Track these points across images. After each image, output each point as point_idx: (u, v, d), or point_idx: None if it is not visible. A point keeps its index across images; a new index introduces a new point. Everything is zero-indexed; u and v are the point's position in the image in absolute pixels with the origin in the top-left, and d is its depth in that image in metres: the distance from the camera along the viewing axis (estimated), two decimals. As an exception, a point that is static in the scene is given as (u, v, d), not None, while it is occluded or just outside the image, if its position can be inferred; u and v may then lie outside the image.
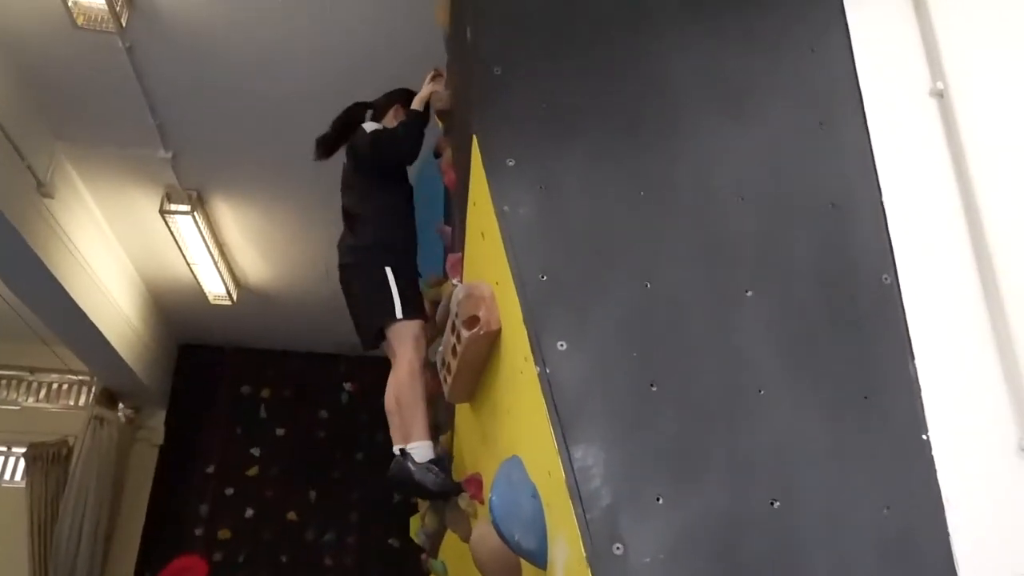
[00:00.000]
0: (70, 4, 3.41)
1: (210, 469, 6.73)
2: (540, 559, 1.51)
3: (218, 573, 6.13)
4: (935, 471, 1.51)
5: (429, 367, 2.63)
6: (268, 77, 4.04)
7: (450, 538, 2.70)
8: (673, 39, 1.82)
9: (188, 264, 5.53)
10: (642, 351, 1.52)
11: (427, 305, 2.77)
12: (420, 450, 2.49)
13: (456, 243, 2.38)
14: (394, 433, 2.56)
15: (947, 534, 1.46)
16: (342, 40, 3.79)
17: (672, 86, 1.78)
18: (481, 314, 1.75)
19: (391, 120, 2.92)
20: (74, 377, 6.62)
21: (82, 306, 4.92)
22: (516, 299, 1.58)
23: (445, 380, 2.15)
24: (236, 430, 6.91)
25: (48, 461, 6.22)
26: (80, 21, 3.50)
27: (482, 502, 2.16)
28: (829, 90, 1.84)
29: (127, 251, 5.67)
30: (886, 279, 1.66)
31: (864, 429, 1.53)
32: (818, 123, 1.79)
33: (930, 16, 1.95)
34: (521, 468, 1.63)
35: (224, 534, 6.55)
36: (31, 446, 6.26)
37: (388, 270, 2.57)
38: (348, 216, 2.82)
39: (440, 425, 2.85)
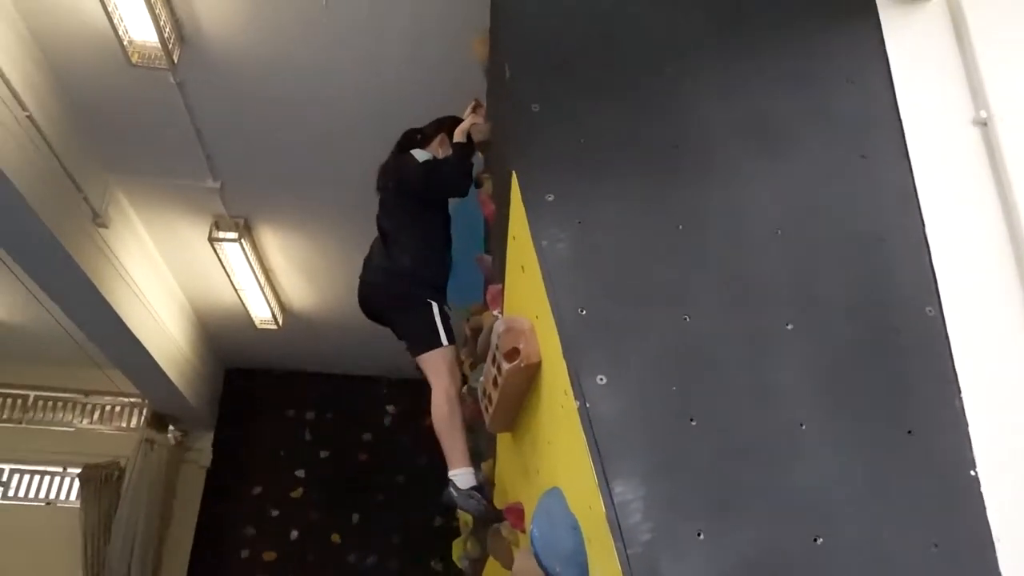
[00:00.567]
0: (125, 43, 3.55)
1: (256, 491, 6.82)
2: (581, 593, 1.51)
3: (264, 596, 6.21)
4: (984, 509, 1.48)
5: (471, 392, 2.66)
6: (312, 109, 4.14)
7: (492, 564, 2.71)
8: (708, 76, 1.84)
9: (235, 290, 5.66)
10: (681, 385, 1.53)
11: (467, 332, 2.81)
12: (461, 477, 2.54)
13: (496, 274, 2.41)
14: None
15: (998, 574, 1.43)
16: (383, 72, 3.88)
17: (708, 122, 1.79)
18: (521, 347, 1.77)
19: (436, 148, 2.95)
20: (126, 400, 6.80)
21: (134, 331, 5.07)
22: (555, 333, 1.60)
23: (486, 410, 2.17)
24: (281, 452, 7.00)
25: (101, 482, 6.37)
26: (135, 59, 3.63)
27: (523, 531, 2.17)
28: (869, 122, 1.83)
29: (177, 278, 5.83)
30: (930, 311, 1.64)
31: (909, 465, 1.51)
32: (859, 156, 1.78)
33: (972, 44, 1.93)
34: (562, 501, 1.64)
35: (269, 556, 6.62)
36: (85, 467, 6.43)
37: (434, 305, 2.62)
38: (384, 235, 2.86)
39: (482, 452, 2.87)
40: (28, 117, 3.69)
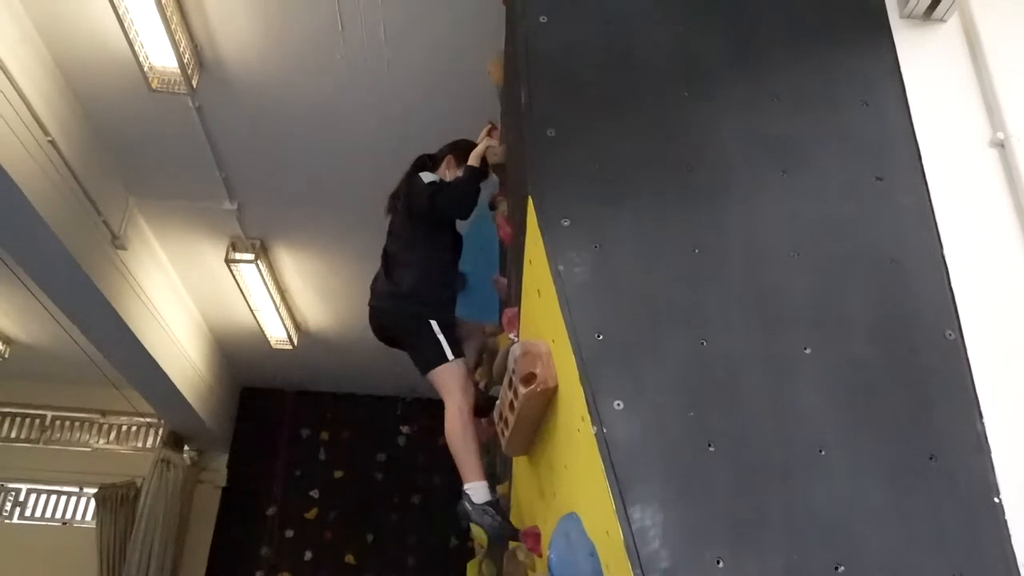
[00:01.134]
0: (146, 69, 3.61)
1: (271, 511, 6.84)
2: (599, 620, 1.50)
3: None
4: (1008, 535, 1.46)
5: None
6: (327, 132, 4.19)
7: (508, 588, 2.69)
8: (724, 99, 1.84)
9: (251, 310, 5.70)
10: (699, 410, 1.52)
11: (484, 354, 2.81)
12: (476, 491, 2.53)
13: (512, 297, 2.41)
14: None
15: (1024, 602, 1.41)
16: (398, 96, 3.92)
17: (724, 144, 1.79)
18: (538, 371, 1.77)
19: (444, 171, 2.97)
20: (142, 420, 6.85)
21: (151, 352, 5.11)
22: (572, 357, 1.60)
23: (502, 433, 2.16)
24: (296, 472, 7.01)
25: (117, 502, 6.41)
26: (155, 84, 3.69)
27: (540, 555, 2.15)
28: (885, 143, 1.82)
29: (194, 299, 5.88)
30: (950, 335, 1.63)
31: (931, 490, 1.49)
32: (875, 177, 1.78)
33: (987, 65, 1.93)
34: (579, 526, 1.63)
35: (284, 577, 6.63)
36: (101, 487, 6.47)
37: (434, 324, 2.64)
38: (387, 258, 2.88)
39: (498, 474, 2.86)
40: (50, 142, 3.76)
